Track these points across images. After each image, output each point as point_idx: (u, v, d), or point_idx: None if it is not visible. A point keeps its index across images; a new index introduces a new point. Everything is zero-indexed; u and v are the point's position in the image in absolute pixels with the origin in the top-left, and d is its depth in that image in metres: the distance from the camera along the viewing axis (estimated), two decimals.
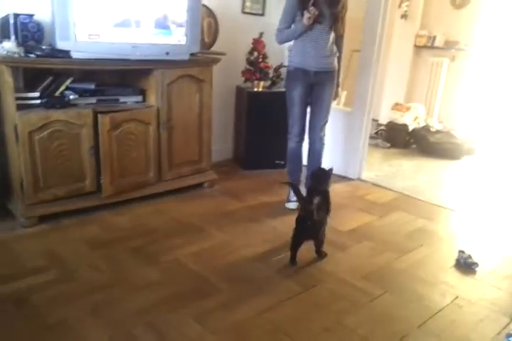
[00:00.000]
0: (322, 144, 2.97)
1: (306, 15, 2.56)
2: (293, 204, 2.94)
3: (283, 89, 3.65)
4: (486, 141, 4.75)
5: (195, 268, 2.18)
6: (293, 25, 2.71)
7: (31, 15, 2.45)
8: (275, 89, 3.67)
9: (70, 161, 2.54)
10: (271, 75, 3.64)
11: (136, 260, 2.22)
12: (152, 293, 1.96)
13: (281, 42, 2.85)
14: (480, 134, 4.82)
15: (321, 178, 2.36)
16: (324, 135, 2.96)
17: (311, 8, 2.55)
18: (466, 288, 2.14)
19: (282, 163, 3.72)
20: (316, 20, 2.63)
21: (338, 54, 2.85)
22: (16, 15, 2.39)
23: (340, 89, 3.01)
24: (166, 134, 2.90)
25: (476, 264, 2.32)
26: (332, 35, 2.74)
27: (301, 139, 2.95)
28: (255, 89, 3.59)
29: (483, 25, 4.85)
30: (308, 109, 2.93)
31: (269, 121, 3.61)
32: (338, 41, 2.82)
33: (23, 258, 2.18)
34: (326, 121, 2.94)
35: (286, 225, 2.69)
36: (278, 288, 2.04)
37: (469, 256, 2.37)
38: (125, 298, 1.91)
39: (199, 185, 3.22)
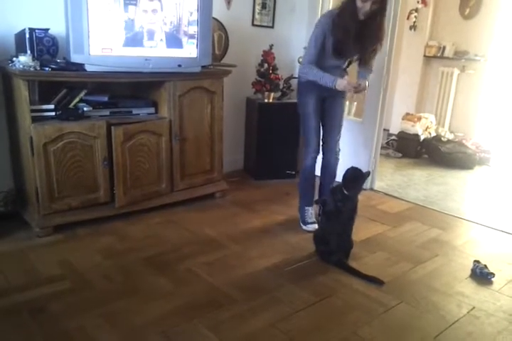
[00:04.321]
0: (337, 159, 2.84)
1: (345, 87, 2.50)
2: (311, 227, 2.76)
3: (293, 100, 3.67)
4: (499, 150, 4.71)
5: (209, 278, 2.17)
6: (322, 73, 2.52)
7: (46, 30, 2.51)
8: (285, 100, 3.70)
9: (84, 172, 2.57)
10: (281, 86, 3.67)
11: (149, 270, 2.23)
12: (166, 302, 1.95)
13: (303, 73, 2.62)
14: (492, 144, 4.79)
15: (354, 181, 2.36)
16: (339, 150, 2.84)
17: (352, 86, 2.51)
18: (482, 298, 2.11)
19: (293, 172, 3.72)
20: (341, 53, 2.54)
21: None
22: (32, 30, 2.44)
23: (367, 82, 2.66)
24: (178, 145, 2.93)
25: (492, 274, 2.28)
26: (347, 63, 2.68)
27: (318, 154, 2.80)
28: (266, 101, 3.61)
29: (492, 35, 4.86)
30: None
31: (280, 131, 3.64)
32: (366, 71, 2.69)
33: (39, 268, 2.20)
34: (340, 136, 2.81)
35: (298, 235, 2.71)
36: (292, 298, 2.03)
37: (485, 266, 2.34)
38: (139, 307, 1.91)
39: (211, 196, 3.23)
